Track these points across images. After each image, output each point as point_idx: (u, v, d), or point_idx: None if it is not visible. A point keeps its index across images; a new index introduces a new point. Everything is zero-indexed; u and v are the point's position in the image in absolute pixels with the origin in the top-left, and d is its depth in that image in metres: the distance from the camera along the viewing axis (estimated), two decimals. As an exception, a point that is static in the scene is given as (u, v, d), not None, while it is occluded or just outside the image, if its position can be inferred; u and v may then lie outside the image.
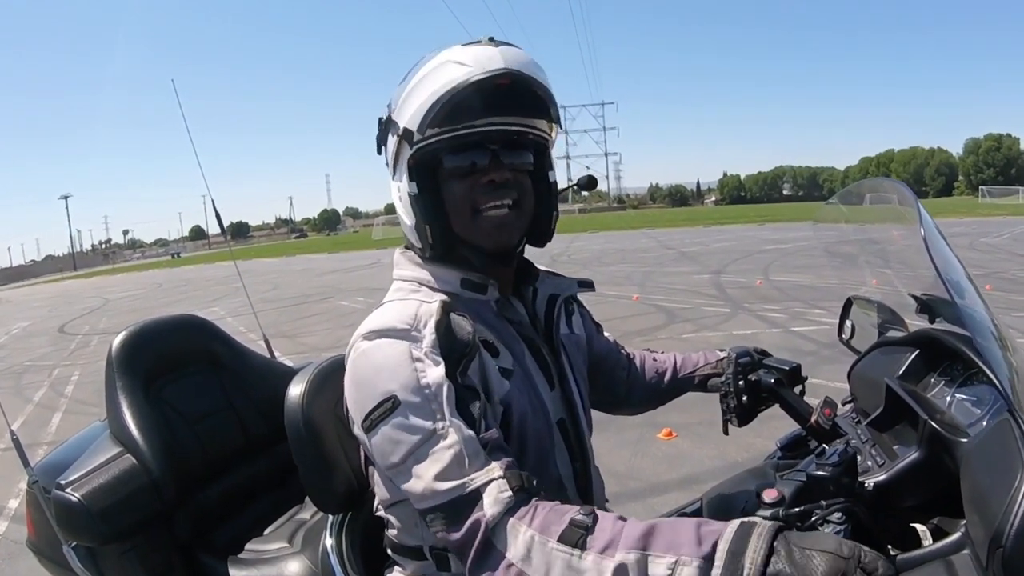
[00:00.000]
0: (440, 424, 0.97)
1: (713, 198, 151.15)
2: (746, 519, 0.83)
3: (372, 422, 1.00)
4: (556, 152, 1.26)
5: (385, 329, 1.04)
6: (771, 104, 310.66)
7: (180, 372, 1.62)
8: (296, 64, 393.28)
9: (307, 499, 1.59)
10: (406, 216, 1.16)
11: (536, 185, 1.19)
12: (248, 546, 1.58)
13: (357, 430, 1.06)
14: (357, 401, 1.04)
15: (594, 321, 1.54)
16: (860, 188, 1.73)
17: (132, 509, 1.41)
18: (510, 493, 0.92)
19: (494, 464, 0.95)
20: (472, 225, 1.12)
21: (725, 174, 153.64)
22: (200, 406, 1.61)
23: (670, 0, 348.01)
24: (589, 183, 1.33)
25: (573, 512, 0.90)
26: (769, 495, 1.06)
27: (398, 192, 1.16)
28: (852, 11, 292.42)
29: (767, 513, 1.04)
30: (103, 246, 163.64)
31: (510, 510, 0.92)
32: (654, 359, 1.63)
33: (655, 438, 4.62)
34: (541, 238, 1.23)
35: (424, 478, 0.96)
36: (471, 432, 0.97)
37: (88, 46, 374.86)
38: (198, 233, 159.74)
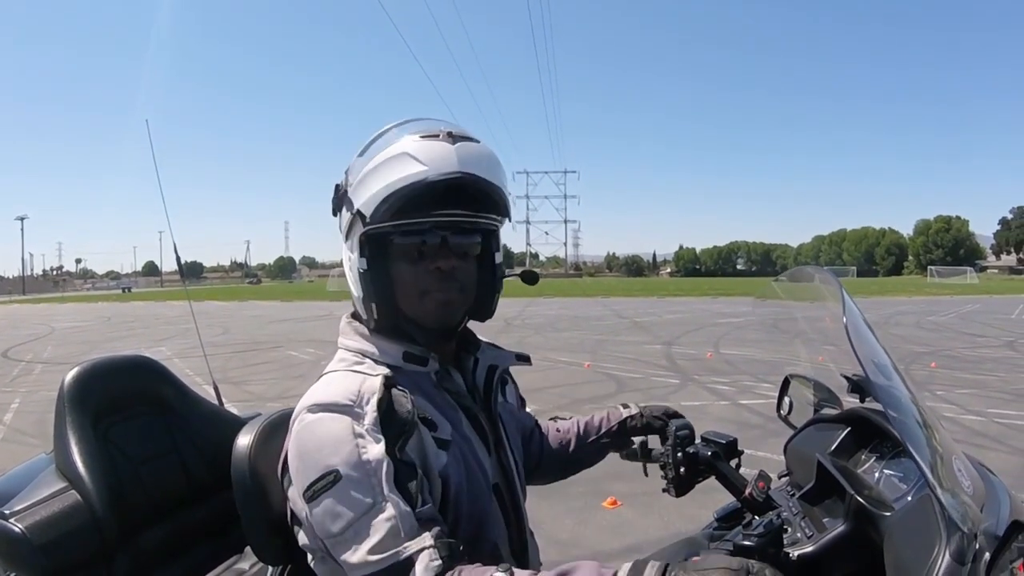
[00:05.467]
0: (379, 499, 1.01)
1: (668, 270, 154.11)
2: (639, 558, 0.90)
3: (314, 493, 1.04)
4: (517, 216, 1.32)
5: (329, 404, 1.08)
6: (727, 180, 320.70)
7: (129, 413, 1.61)
8: (268, 103, 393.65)
9: (247, 549, 1.57)
10: (354, 287, 1.20)
11: (481, 265, 1.24)
12: None
13: (295, 497, 1.10)
14: (299, 471, 1.07)
15: (520, 395, 1.56)
16: (797, 273, 1.84)
17: (74, 545, 1.38)
18: (440, 561, 0.97)
19: (426, 534, 0.99)
20: (418, 305, 1.17)
21: (681, 247, 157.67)
22: (145, 448, 1.58)
23: (635, 78, 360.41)
24: (531, 278, 1.41)
25: (493, 570, 0.95)
26: None
27: (348, 261, 1.21)
28: (807, 93, 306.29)
29: None
30: (54, 272, 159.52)
31: None
32: (557, 429, 1.65)
33: (599, 506, 4.62)
34: (483, 315, 1.28)
35: (360, 551, 0.99)
36: (408, 507, 1.01)
37: (60, 61, 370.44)
38: (151, 269, 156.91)
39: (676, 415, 1.59)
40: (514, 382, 1.51)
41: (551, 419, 1.71)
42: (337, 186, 1.22)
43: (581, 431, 1.64)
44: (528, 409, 1.61)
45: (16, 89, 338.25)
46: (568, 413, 1.73)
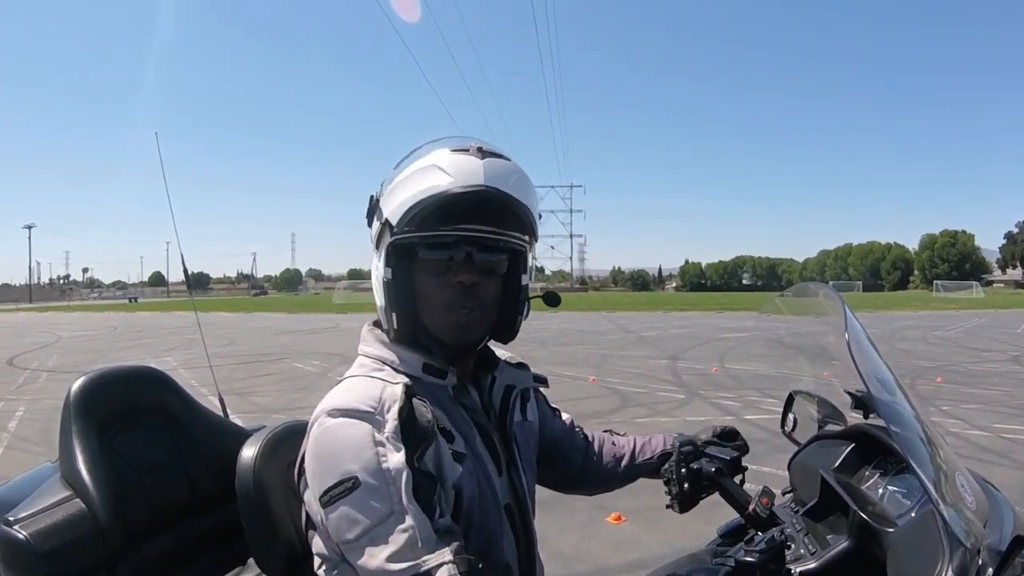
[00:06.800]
0: (397, 508, 1.01)
1: (674, 284, 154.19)
2: None
3: (331, 498, 1.04)
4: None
5: (350, 409, 1.07)
6: (733, 195, 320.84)
7: (134, 423, 1.62)
8: (277, 116, 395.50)
9: (250, 560, 1.58)
10: (378, 296, 1.20)
11: (507, 285, 1.23)
12: None
13: (311, 500, 1.09)
14: (317, 475, 1.07)
15: (550, 405, 1.56)
16: (801, 289, 1.85)
17: (77, 554, 1.39)
18: None
19: (445, 549, 0.99)
20: (439, 320, 1.17)
21: (687, 261, 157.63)
22: (150, 458, 1.59)
23: (642, 93, 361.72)
24: (553, 300, 1.38)
25: None
26: None
27: (376, 271, 1.20)
28: (813, 108, 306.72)
29: None
30: (61, 281, 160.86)
31: None
32: (612, 443, 1.63)
33: (604, 521, 4.60)
34: (506, 335, 1.27)
35: (377, 558, 0.99)
36: (426, 517, 1.01)
37: (67, 82, 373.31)
38: (158, 279, 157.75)
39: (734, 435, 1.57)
40: (539, 394, 1.51)
41: (606, 430, 1.69)
42: (371, 196, 1.23)
43: (636, 449, 1.61)
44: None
45: (25, 97, 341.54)
46: (623, 429, 1.72)
